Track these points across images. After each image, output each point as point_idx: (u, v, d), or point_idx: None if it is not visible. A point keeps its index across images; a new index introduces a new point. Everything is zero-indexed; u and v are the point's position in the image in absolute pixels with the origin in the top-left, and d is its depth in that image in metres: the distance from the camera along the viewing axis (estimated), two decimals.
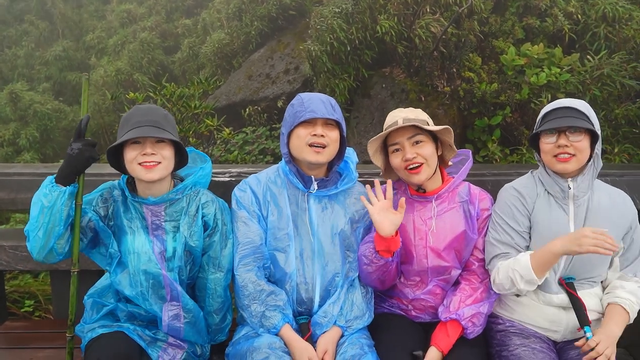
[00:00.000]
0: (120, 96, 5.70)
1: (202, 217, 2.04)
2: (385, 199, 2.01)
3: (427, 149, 2.07)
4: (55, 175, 1.86)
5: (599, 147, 1.96)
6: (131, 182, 2.04)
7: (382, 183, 2.38)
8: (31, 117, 12.06)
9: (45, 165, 3.22)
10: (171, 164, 1.96)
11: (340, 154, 2.16)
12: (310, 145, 2.02)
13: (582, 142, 1.91)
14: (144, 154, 1.88)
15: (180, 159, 2.03)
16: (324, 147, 2.03)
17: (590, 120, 1.92)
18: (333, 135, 2.06)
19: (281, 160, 2.21)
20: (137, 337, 1.94)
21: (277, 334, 2.01)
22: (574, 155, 1.93)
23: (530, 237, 2.07)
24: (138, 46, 12.78)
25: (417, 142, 2.07)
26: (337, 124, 2.08)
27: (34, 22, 15.90)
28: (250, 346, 1.96)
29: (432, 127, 2.07)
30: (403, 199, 2.01)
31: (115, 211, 2.01)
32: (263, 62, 7.89)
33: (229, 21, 9.75)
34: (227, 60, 9.42)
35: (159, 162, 1.90)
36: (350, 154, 2.23)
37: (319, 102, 2.04)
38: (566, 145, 1.92)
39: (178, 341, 2.03)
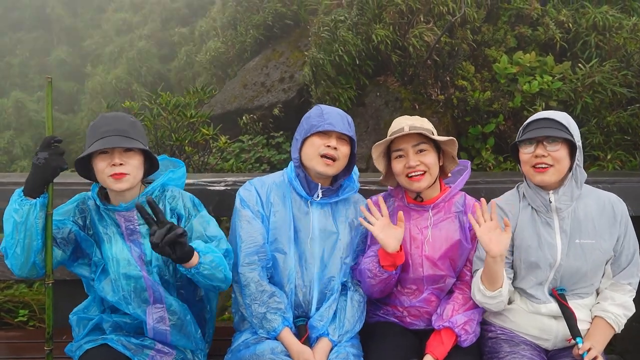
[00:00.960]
0: (117, 104, 5.71)
1: (173, 210, 2.03)
2: (382, 215, 2.04)
3: (430, 158, 2.10)
4: (22, 188, 1.82)
5: (580, 157, 1.96)
6: (101, 191, 2.03)
7: (377, 192, 2.40)
8: (26, 126, 12.04)
9: None
10: (140, 172, 1.95)
11: (349, 168, 2.22)
12: (322, 156, 2.09)
13: (559, 152, 1.92)
14: (113, 165, 1.86)
15: (151, 165, 2.02)
16: (334, 160, 2.10)
17: (569, 131, 1.93)
18: (345, 150, 2.13)
19: (285, 167, 2.28)
20: (121, 347, 1.93)
21: (276, 337, 2.03)
22: (551, 165, 1.93)
23: (512, 253, 2.08)
24: (136, 55, 12.80)
25: (421, 151, 2.10)
26: (350, 141, 2.16)
27: (29, 30, 15.91)
28: (252, 353, 1.98)
29: (438, 137, 2.09)
30: (401, 213, 2.04)
31: (91, 221, 2.00)
32: (258, 71, 7.92)
33: (224, 30, 9.78)
34: (223, 69, 9.44)
35: (128, 173, 1.88)
36: (354, 171, 2.28)
37: (337, 116, 2.13)
38: (543, 155, 1.93)
39: (166, 347, 2.02)
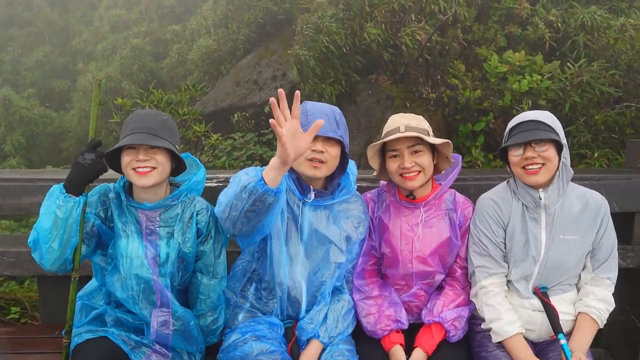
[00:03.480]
0: (108, 102, 5.70)
1: (196, 224, 2.05)
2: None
3: (425, 159, 2.10)
4: (63, 185, 1.85)
5: (566, 155, 2.01)
6: (128, 186, 2.06)
7: (369, 188, 2.42)
8: (17, 123, 11.96)
9: (33, 171, 3.20)
10: (166, 169, 1.96)
11: (342, 167, 2.13)
12: (310, 160, 2.00)
13: (548, 152, 1.96)
14: (137, 160, 1.89)
15: (178, 165, 2.04)
16: (322, 162, 2.01)
17: (555, 131, 1.97)
18: (333, 151, 2.03)
19: None
20: (121, 342, 1.95)
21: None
22: (543, 164, 1.97)
23: (505, 247, 2.12)
24: (129, 52, 12.73)
25: (416, 152, 2.10)
26: (340, 140, 2.04)
27: (21, 26, 15.78)
28: (241, 354, 1.96)
29: (433, 139, 2.09)
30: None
31: (111, 214, 2.01)
32: (250, 69, 7.93)
33: (215, 28, 9.77)
34: (215, 67, 9.43)
35: (154, 168, 1.91)
36: (351, 166, 2.22)
37: (322, 116, 1.91)
38: (534, 157, 1.96)
39: (163, 349, 2.03)
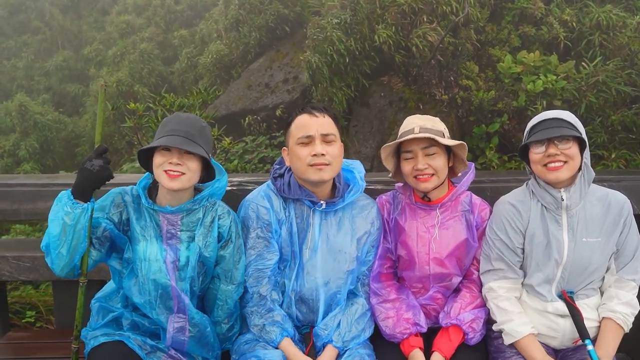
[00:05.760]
0: (121, 107, 5.72)
1: (218, 228, 2.03)
2: None
3: (439, 161, 2.08)
4: (71, 191, 1.84)
5: (587, 156, 1.97)
6: (149, 189, 2.05)
7: (383, 191, 2.40)
8: (31, 128, 12.11)
9: (47, 176, 3.23)
10: (196, 176, 1.95)
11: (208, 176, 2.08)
12: (312, 165, 1.97)
13: (571, 149, 1.92)
14: (170, 162, 1.89)
15: (208, 173, 2.03)
16: (326, 165, 1.98)
17: (578, 130, 1.94)
18: (334, 150, 2.00)
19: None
20: (136, 347, 1.94)
21: (277, 347, 2.01)
22: (565, 162, 1.93)
23: (524, 251, 2.08)
24: (138, 57, 12.86)
25: (430, 154, 2.07)
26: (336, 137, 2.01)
27: (34, 33, 15.99)
28: (255, 356, 1.96)
29: (448, 141, 2.06)
30: None
31: (128, 217, 2.00)
32: (262, 72, 7.95)
33: (227, 32, 9.81)
34: (226, 71, 9.48)
35: (184, 173, 1.90)
36: (357, 165, 2.20)
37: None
38: (556, 154, 1.93)
39: (179, 354, 2.02)
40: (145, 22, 15.45)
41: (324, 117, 2.02)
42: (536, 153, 1.98)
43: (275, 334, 2.01)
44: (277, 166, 2.18)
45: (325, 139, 1.99)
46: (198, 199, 2.01)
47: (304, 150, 1.97)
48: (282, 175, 2.13)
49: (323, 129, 1.99)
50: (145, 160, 1.99)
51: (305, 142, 1.98)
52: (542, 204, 2.05)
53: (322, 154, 1.96)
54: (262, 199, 2.11)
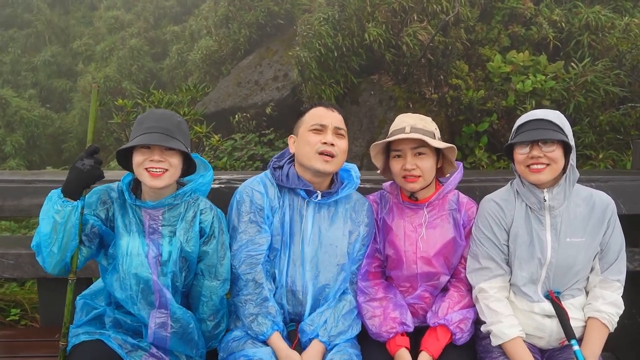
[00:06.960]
0: (109, 103, 5.68)
1: (199, 223, 2.03)
2: None
3: (428, 162, 2.08)
4: (61, 190, 1.84)
5: (573, 157, 1.97)
6: (132, 185, 2.04)
7: (372, 190, 2.40)
8: (17, 124, 11.95)
9: (32, 172, 3.18)
10: (178, 171, 1.95)
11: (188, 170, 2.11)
12: (320, 154, 2.03)
13: (555, 153, 1.92)
14: (152, 160, 1.88)
15: (189, 167, 2.02)
16: (332, 156, 2.04)
17: (564, 131, 1.93)
18: (343, 144, 2.08)
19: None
20: (116, 346, 1.92)
21: (265, 341, 2.01)
22: (547, 165, 1.93)
23: (508, 249, 2.09)
24: (127, 53, 12.74)
25: (419, 154, 2.08)
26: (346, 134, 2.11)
27: (21, 27, 15.78)
28: (243, 354, 1.95)
29: (438, 143, 2.07)
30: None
31: (113, 213, 2.00)
32: (252, 69, 7.91)
33: (216, 28, 9.75)
34: (216, 67, 9.42)
35: (166, 170, 1.90)
36: (354, 167, 2.23)
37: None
38: (539, 156, 1.92)
39: (160, 352, 2.00)
40: (134, 18, 15.31)
41: (338, 114, 2.13)
42: (520, 154, 1.98)
43: (267, 327, 2.00)
44: (276, 159, 2.21)
45: (337, 131, 2.08)
46: (180, 194, 2.00)
47: (316, 137, 2.04)
48: (280, 167, 2.15)
49: (336, 122, 2.09)
50: (124, 159, 1.97)
51: (319, 129, 2.06)
52: (526, 204, 2.06)
53: (332, 144, 2.03)
54: (257, 184, 2.14)
